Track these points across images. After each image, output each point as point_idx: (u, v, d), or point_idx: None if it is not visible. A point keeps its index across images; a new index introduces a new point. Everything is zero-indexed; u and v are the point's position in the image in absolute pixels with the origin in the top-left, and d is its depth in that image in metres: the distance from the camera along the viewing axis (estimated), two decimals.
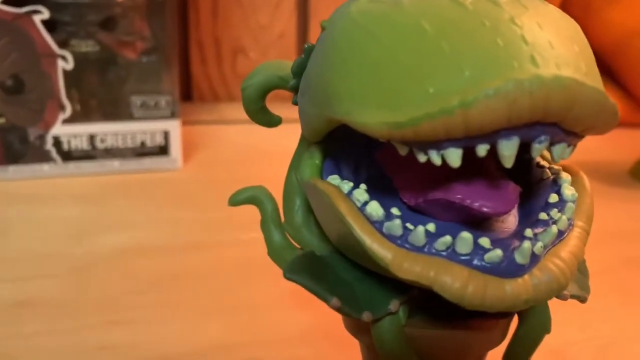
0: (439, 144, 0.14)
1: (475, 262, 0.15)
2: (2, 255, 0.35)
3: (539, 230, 0.16)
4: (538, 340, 0.19)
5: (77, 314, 0.28)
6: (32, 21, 0.45)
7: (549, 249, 0.15)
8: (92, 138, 0.49)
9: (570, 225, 0.16)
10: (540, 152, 0.14)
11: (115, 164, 0.51)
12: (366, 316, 0.16)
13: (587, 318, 0.30)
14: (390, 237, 0.15)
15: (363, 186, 0.17)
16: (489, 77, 0.13)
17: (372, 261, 0.15)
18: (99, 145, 0.50)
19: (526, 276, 0.15)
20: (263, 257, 0.21)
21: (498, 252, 0.14)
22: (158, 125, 0.51)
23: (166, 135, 0.51)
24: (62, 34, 0.46)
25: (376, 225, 0.16)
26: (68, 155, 0.49)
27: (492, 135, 0.13)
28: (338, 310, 0.16)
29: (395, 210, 0.16)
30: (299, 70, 0.18)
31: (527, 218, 0.17)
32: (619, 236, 0.41)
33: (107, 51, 0.49)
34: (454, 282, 0.14)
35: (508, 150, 0.13)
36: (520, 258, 0.14)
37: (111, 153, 0.50)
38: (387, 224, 0.15)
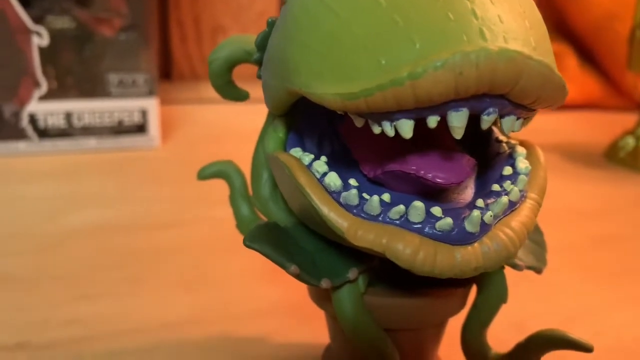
0: (391, 115, 0.14)
1: (427, 230, 0.15)
2: None
3: (490, 200, 0.16)
4: (495, 310, 0.20)
5: (46, 290, 0.29)
6: None
7: (500, 219, 0.16)
8: (68, 116, 0.49)
9: (523, 197, 0.17)
10: (489, 123, 0.14)
11: (93, 142, 0.50)
12: (325, 283, 0.17)
13: (550, 292, 0.31)
14: (347, 207, 0.16)
15: (323, 158, 0.17)
16: (438, 49, 0.13)
17: (329, 230, 0.16)
18: (76, 123, 0.49)
19: (476, 244, 0.15)
20: (235, 234, 0.22)
21: (448, 221, 0.15)
22: (136, 104, 0.51)
23: (144, 113, 0.51)
24: (37, 10, 0.46)
25: (334, 195, 0.16)
26: (44, 133, 0.49)
27: (442, 107, 0.14)
28: (297, 277, 0.16)
29: (352, 181, 0.16)
30: (263, 44, 0.18)
31: (482, 190, 0.17)
32: (590, 215, 0.42)
33: (84, 28, 0.48)
34: (405, 249, 0.15)
35: (457, 121, 0.14)
36: (470, 226, 0.15)
37: (88, 131, 0.50)
38: (344, 194, 0.16)
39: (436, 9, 0.14)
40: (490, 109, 0.14)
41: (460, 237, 0.15)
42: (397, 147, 0.17)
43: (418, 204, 0.15)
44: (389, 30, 0.14)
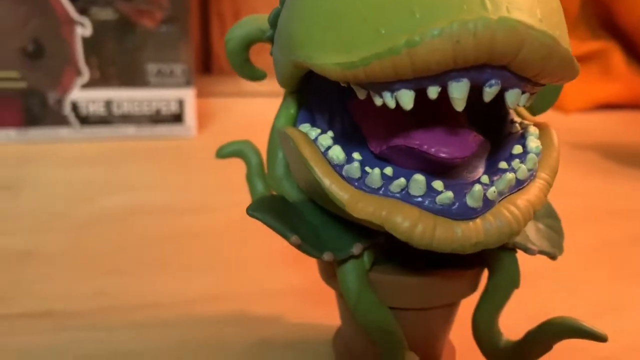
0: (391, 85, 0.14)
1: (427, 203, 0.15)
2: (12, 210, 0.36)
3: (496, 177, 0.16)
4: (507, 295, 0.20)
5: (73, 265, 0.30)
6: None
7: (506, 197, 0.16)
8: (108, 104, 0.51)
9: (532, 176, 0.17)
10: (491, 96, 0.14)
11: (131, 130, 0.52)
12: (327, 256, 0.17)
13: (577, 287, 0.30)
14: (349, 180, 0.16)
15: (330, 133, 0.17)
16: (437, 18, 0.13)
17: (331, 202, 0.16)
18: (116, 111, 0.51)
19: (478, 220, 0.15)
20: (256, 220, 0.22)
21: (449, 194, 0.15)
22: (173, 93, 0.52)
23: (181, 103, 0.53)
24: (82, 2, 0.48)
25: (337, 168, 0.16)
26: (85, 120, 0.50)
27: (442, 77, 0.14)
28: (298, 247, 0.17)
29: (356, 155, 0.16)
30: (275, 21, 0.18)
31: (491, 169, 0.17)
32: (629, 215, 0.41)
33: (126, 19, 0.50)
34: (403, 221, 0.15)
35: (458, 92, 0.14)
36: (471, 201, 0.15)
37: (127, 119, 0.52)
38: (346, 167, 0.16)
39: None
40: (492, 81, 0.14)
41: (461, 212, 0.15)
42: (404, 123, 0.17)
43: (419, 177, 0.15)
44: (390, 2, 0.14)
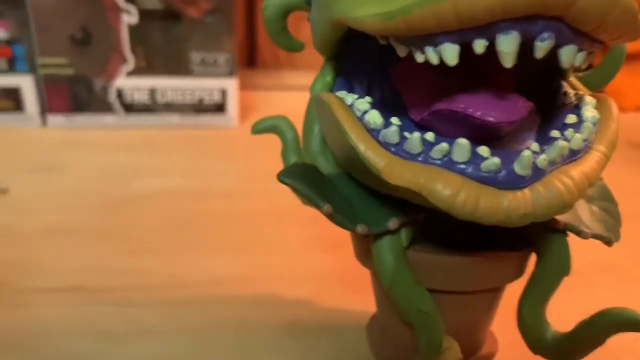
0: (433, 38, 0.13)
1: (471, 170, 0.14)
2: (54, 190, 0.37)
3: (547, 146, 0.15)
4: (556, 282, 0.18)
5: (106, 242, 0.30)
6: None
7: (558, 167, 0.14)
8: (153, 92, 0.51)
9: (587, 147, 0.15)
10: (544, 51, 0.13)
11: (174, 118, 0.52)
12: (360, 228, 0.16)
13: (633, 287, 0.28)
14: (386, 145, 0.15)
15: (367, 98, 0.16)
16: None
17: (366, 171, 0.15)
18: (160, 99, 0.51)
19: (526, 190, 0.14)
20: (296, 205, 0.22)
21: (495, 160, 0.14)
22: (216, 83, 0.52)
23: (223, 93, 0.52)
24: None
25: (374, 133, 0.15)
26: (130, 108, 0.51)
27: (489, 29, 0.12)
28: (330, 217, 0.16)
29: (394, 120, 0.15)
30: None
31: (542, 138, 0.16)
32: None
33: (172, 9, 0.50)
34: (444, 189, 0.14)
35: (506, 45, 0.13)
36: (519, 169, 0.14)
37: (171, 108, 0.52)
38: (383, 132, 0.15)
39: None
40: (545, 34, 0.13)
41: (508, 180, 0.14)
42: (447, 88, 0.16)
43: (463, 141, 0.14)
44: None
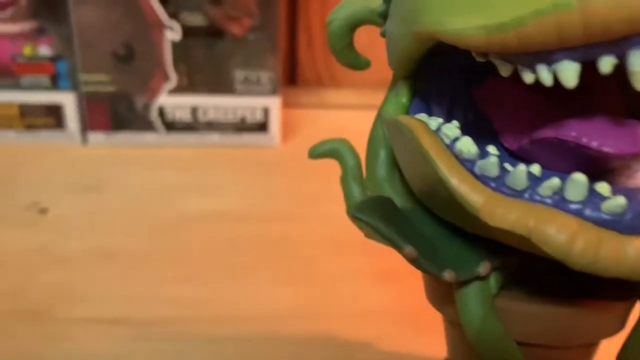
0: (550, 55, 0.11)
1: (589, 212, 0.12)
2: (96, 211, 0.36)
3: None
4: None
5: (152, 269, 0.28)
6: None
7: None
8: (194, 110, 0.50)
9: None
10: None
11: (216, 137, 0.51)
12: (448, 275, 0.14)
13: None
14: (483, 179, 0.13)
15: (455, 123, 0.14)
16: None
17: (458, 207, 0.13)
18: (201, 117, 0.50)
19: None
20: (348, 231, 0.20)
21: (620, 201, 0.11)
22: (259, 101, 0.51)
23: (266, 111, 0.51)
24: (172, 6, 0.47)
25: (467, 164, 0.13)
26: (171, 126, 0.50)
27: (620, 44, 0.10)
28: (413, 262, 0.14)
29: (492, 149, 0.13)
30: None
31: None
32: None
33: (215, 25, 0.49)
34: (558, 234, 0.11)
35: None
36: None
37: (212, 126, 0.51)
38: (480, 163, 0.13)
39: None
40: None
41: (636, 225, 0.11)
42: (550, 112, 0.13)
43: (579, 177, 0.12)
44: None
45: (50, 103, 0.49)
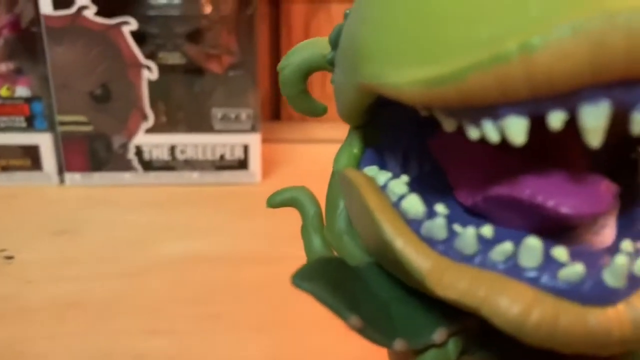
0: (494, 109, 0.10)
1: (545, 280, 0.11)
2: (67, 255, 0.34)
3: None
4: None
5: (120, 318, 0.27)
6: (121, 32, 0.45)
7: None
8: (172, 149, 0.49)
9: None
10: None
11: (195, 175, 0.50)
12: (399, 345, 0.13)
13: None
14: (431, 241, 0.12)
15: (404, 177, 0.13)
16: (565, 10, 0.09)
17: (405, 271, 0.12)
18: (180, 156, 0.49)
19: (621, 306, 0.10)
20: None
21: (578, 268, 0.10)
22: (238, 139, 0.50)
23: (246, 149, 0.50)
24: (150, 46, 0.47)
25: (414, 225, 0.12)
26: (149, 165, 0.49)
27: (569, 98, 0.09)
28: (360, 332, 0.12)
29: (440, 208, 0.12)
30: (337, 39, 0.15)
31: (629, 229, 0.12)
32: None
33: (194, 64, 0.48)
34: (511, 306, 0.10)
35: (594, 119, 0.09)
36: (611, 279, 0.10)
37: (191, 165, 0.50)
38: (426, 224, 0.12)
39: None
40: None
41: (596, 294, 0.10)
42: (506, 166, 0.12)
43: (533, 242, 0.11)
44: None
45: (26, 144, 0.48)
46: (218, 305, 0.28)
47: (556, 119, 0.10)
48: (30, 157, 0.48)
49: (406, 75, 0.11)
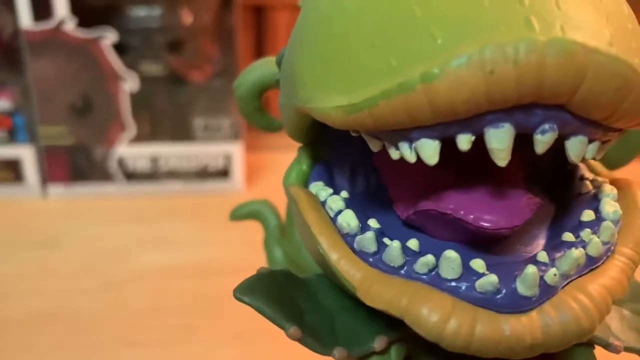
0: (408, 133, 0.11)
1: (464, 289, 0.11)
2: (47, 267, 0.35)
3: (559, 254, 0.12)
4: None
5: (97, 330, 0.27)
6: (100, 45, 0.46)
7: (572, 280, 0.12)
8: (155, 160, 0.50)
9: (609, 251, 0.12)
10: (545, 146, 0.10)
11: (177, 185, 0.50)
12: (338, 353, 0.13)
13: None
14: (362, 254, 0.12)
15: (344, 194, 0.14)
16: (464, 42, 0.10)
17: (342, 283, 0.13)
18: (162, 166, 0.50)
19: (534, 313, 0.11)
20: None
21: (492, 279, 0.11)
22: (220, 148, 0.50)
23: (228, 158, 0.51)
24: (131, 57, 0.47)
25: (348, 239, 0.13)
26: (131, 176, 0.50)
27: (475, 122, 0.10)
28: (300, 341, 0.13)
29: (372, 222, 0.13)
30: (282, 60, 0.16)
31: (554, 239, 0.13)
32: None
33: (175, 74, 0.49)
34: (431, 314, 0.11)
35: (497, 141, 0.10)
36: (523, 288, 0.11)
37: (174, 175, 0.50)
38: (358, 238, 0.12)
39: None
40: (546, 125, 0.10)
41: (509, 302, 0.11)
42: (437, 181, 0.13)
43: (451, 255, 0.11)
44: (405, 23, 0.10)
45: (8, 157, 0.48)
46: (195, 316, 0.29)
47: (464, 141, 0.10)
48: (13, 169, 0.49)
49: (331, 101, 0.11)
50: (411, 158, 0.11)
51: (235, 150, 0.51)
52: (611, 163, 0.17)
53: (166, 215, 0.45)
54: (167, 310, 0.29)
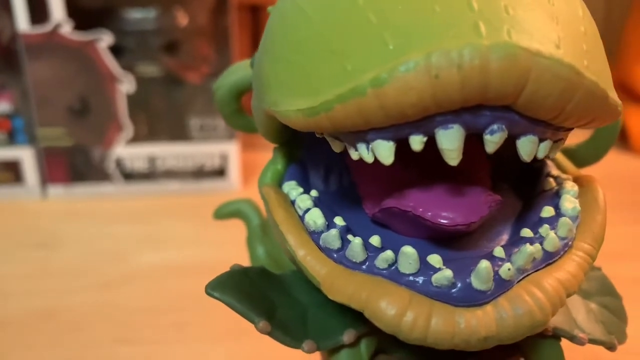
0: (364, 135, 0.11)
1: (421, 283, 0.12)
2: (46, 267, 0.35)
3: (516, 249, 0.12)
4: None
5: (92, 328, 0.28)
6: (97, 48, 0.47)
7: (528, 274, 0.12)
8: (152, 160, 0.50)
9: (566, 247, 0.13)
10: (495, 145, 0.11)
11: (174, 185, 0.51)
12: (307, 347, 0.14)
13: None
14: (327, 251, 0.13)
15: (313, 192, 0.14)
16: (414, 49, 0.10)
17: (309, 278, 0.13)
18: (160, 166, 0.51)
19: (489, 306, 0.11)
20: None
21: (447, 273, 0.11)
22: (216, 148, 0.51)
23: (224, 157, 0.51)
24: (127, 59, 0.48)
25: (314, 236, 0.13)
26: (129, 176, 0.50)
27: (426, 123, 0.11)
28: (269, 335, 0.14)
29: (338, 220, 0.13)
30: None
31: (516, 234, 0.14)
32: None
33: (171, 75, 0.50)
34: (388, 308, 0.11)
35: (448, 142, 0.11)
36: (478, 282, 0.11)
37: (171, 175, 0.51)
38: (323, 235, 0.13)
39: (421, 2, 0.11)
40: (494, 126, 0.11)
41: (464, 296, 0.11)
42: (401, 180, 0.14)
43: (408, 250, 0.12)
44: (360, 30, 0.11)
45: (7, 159, 0.49)
46: (191, 314, 0.29)
47: (416, 142, 0.11)
48: (12, 171, 0.49)
49: (293, 104, 0.12)
50: (369, 158, 0.11)
51: (231, 150, 0.51)
52: (580, 161, 0.17)
53: (163, 215, 0.46)
54: (164, 309, 0.30)
